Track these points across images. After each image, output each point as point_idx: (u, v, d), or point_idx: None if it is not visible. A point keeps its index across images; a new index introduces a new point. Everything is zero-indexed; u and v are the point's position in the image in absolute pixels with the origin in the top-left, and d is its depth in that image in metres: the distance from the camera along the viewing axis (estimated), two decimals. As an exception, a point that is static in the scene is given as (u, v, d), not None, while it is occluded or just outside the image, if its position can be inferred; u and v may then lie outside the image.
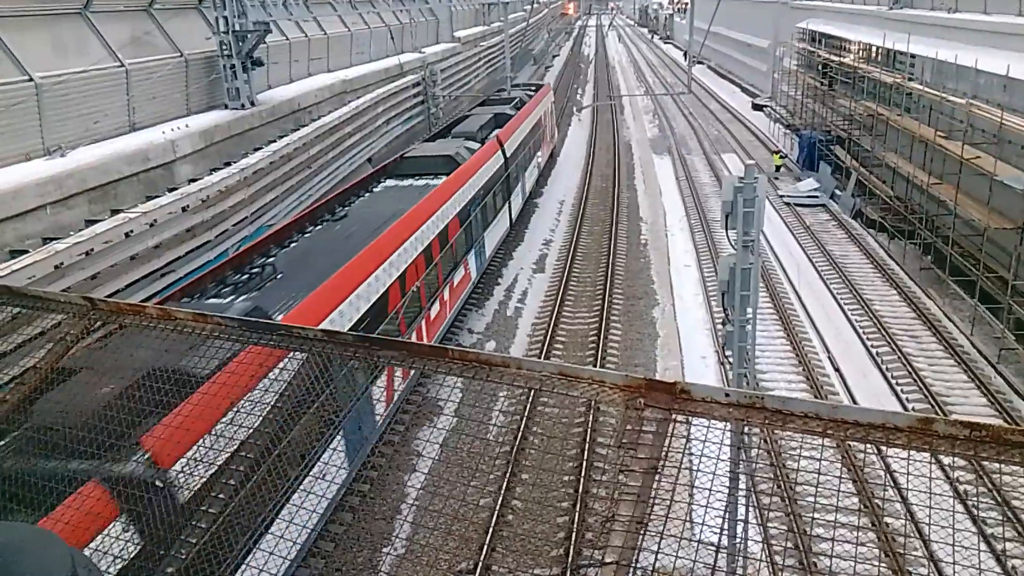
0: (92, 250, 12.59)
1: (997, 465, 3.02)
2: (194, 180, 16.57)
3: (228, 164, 17.92)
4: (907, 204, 24.02)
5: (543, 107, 34.47)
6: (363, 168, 24.84)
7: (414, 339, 14.90)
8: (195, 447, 4.44)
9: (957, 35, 24.27)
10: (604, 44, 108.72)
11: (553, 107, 39.98)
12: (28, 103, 14.10)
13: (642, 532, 2.98)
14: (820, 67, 34.36)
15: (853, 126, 30.13)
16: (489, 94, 39.39)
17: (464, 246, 19.33)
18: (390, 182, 19.88)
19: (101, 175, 14.30)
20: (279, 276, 12.63)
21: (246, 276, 12.63)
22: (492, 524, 12.36)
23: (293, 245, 14.51)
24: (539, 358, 17.88)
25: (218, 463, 4.26)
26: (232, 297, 11.71)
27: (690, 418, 3.32)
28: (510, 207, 25.15)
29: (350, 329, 12.16)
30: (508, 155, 24.51)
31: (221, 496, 4.17)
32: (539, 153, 32.16)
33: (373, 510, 13.30)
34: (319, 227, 15.74)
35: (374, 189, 19.30)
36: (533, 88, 38.19)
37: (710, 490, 3.27)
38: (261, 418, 4.33)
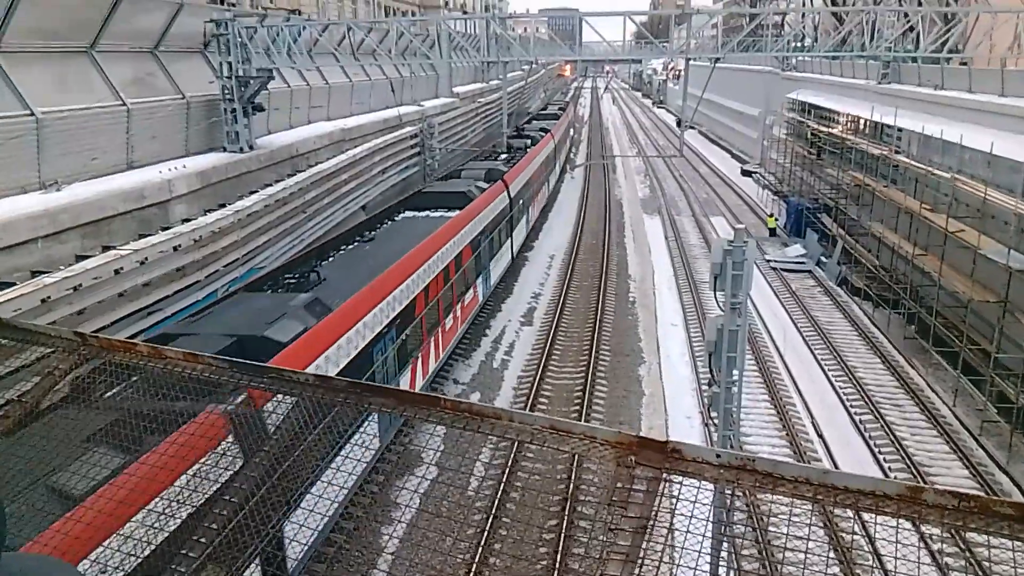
0: (80, 285, 12.54)
1: (984, 537, 3.03)
2: (188, 220, 16.62)
3: (223, 206, 17.99)
4: (892, 274, 24.34)
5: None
6: (356, 215, 24.99)
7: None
8: (168, 491, 4.38)
9: (943, 111, 24.94)
10: (599, 106, 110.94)
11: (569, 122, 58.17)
12: (27, 137, 14.17)
13: (630, 592, 2.95)
14: (809, 136, 35.12)
15: (840, 195, 30.68)
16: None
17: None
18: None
19: (96, 211, 14.32)
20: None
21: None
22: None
23: None
24: (524, 411, 17.78)
25: (191, 508, 4.20)
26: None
27: (680, 477, 3.32)
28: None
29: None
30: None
31: (200, 540, 4.09)
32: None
33: (349, 560, 13.03)
34: None
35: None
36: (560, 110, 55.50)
37: (699, 552, 3.25)
38: (241, 462, 4.28)
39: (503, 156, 32.56)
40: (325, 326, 12.50)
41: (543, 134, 39.53)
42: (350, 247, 18.33)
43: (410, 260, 16.41)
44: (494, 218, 24.29)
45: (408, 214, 22.28)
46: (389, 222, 21.33)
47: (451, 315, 19.34)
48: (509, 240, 27.32)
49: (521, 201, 29.18)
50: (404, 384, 15.73)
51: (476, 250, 21.82)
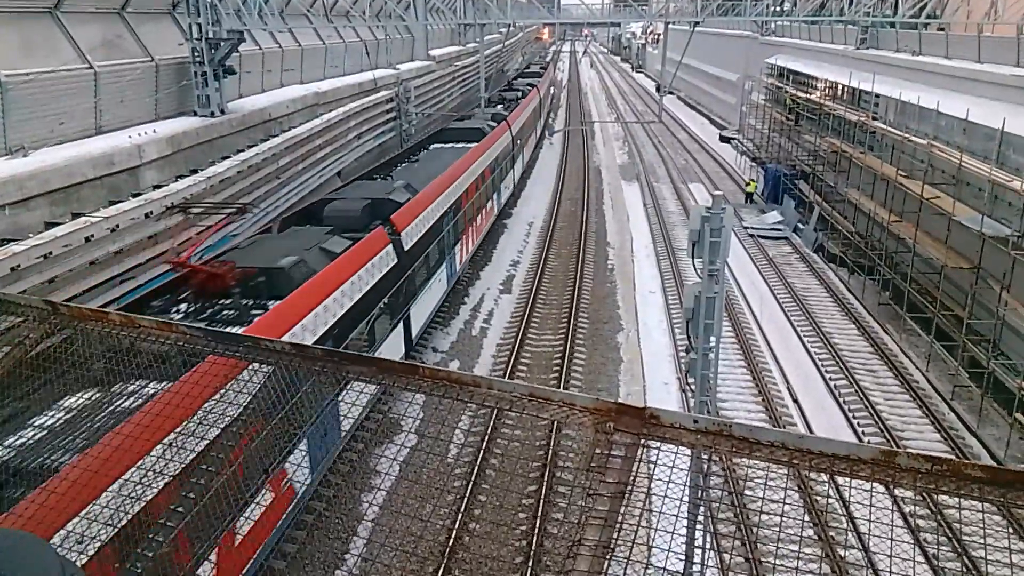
0: (51, 253, 12.31)
1: (956, 499, 3.07)
2: (159, 186, 16.33)
3: (195, 171, 17.68)
4: (868, 240, 24.55)
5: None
6: (332, 181, 24.70)
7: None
8: (144, 461, 4.33)
9: (920, 77, 25.00)
10: (577, 70, 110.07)
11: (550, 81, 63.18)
12: (-9, 101, 13.80)
13: (608, 557, 2.97)
14: (787, 102, 35.11)
15: (817, 162, 30.77)
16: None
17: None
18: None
19: (64, 177, 14.01)
20: None
21: None
22: (450, 544, 12.24)
23: None
24: (504, 379, 17.86)
25: (168, 478, 4.16)
26: None
27: (658, 443, 3.33)
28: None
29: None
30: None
31: (178, 509, 4.06)
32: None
33: (328, 528, 13.09)
34: None
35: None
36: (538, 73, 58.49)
37: (676, 516, 3.27)
38: (217, 431, 4.23)
39: (499, 105, 38.50)
40: (419, 198, 18.78)
41: (530, 88, 46.12)
42: (402, 165, 24.51)
43: (454, 170, 22.39)
44: (503, 150, 30.41)
45: (437, 145, 28.24)
46: (424, 150, 27.47)
47: (480, 215, 25.98)
48: (512, 171, 33.72)
49: (519, 140, 35.51)
50: (458, 251, 22.45)
51: (493, 172, 27.98)
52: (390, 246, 15.95)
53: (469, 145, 26.68)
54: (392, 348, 16.05)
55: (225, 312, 11.74)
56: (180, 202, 15.49)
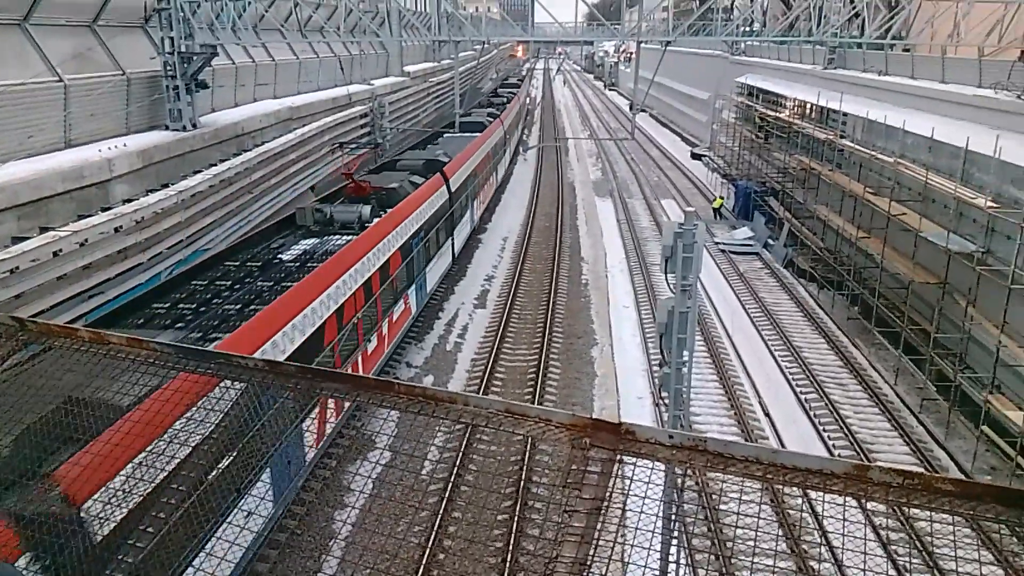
0: (18, 268, 12.10)
1: (928, 512, 3.11)
2: (129, 200, 16.13)
3: (166, 185, 17.51)
4: (836, 256, 24.90)
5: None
6: (306, 196, 24.59)
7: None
8: (114, 480, 4.25)
9: (887, 97, 25.51)
10: (551, 88, 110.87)
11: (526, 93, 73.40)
12: (-43, 113, 13.58)
13: (585, 574, 2.97)
14: (757, 121, 35.59)
15: (787, 178, 31.21)
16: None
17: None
18: None
19: (33, 191, 13.80)
20: None
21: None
22: (424, 562, 12.14)
23: None
24: (479, 395, 17.79)
25: (138, 498, 4.08)
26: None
27: (634, 459, 3.33)
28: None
29: None
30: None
31: (148, 529, 3.99)
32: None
33: (301, 548, 12.91)
34: None
35: None
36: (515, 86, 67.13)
37: (652, 531, 3.28)
38: (188, 450, 4.17)
39: (489, 110, 45.36)
40: (457, 159, 26.23)
41: (512, 95, 55.33)
42: (429, 146, 31.71)
43: (470, 148, 29.43)
44: (498, 140, 38.80)
45: (448, 134, 34.32)
46: (440, 137, 34.37)
47: (487, 184, 34.25)
48: (504, 156, 42.43)
49: (509, 135, 44.61)
50: (476, 205, 30.80)
51: (493, 156, 36.34)
52: (444, 187, 23.27)
53: (475, 134, 33.30)
54: (445, 254, 23.97)
55: (364, 210, 18.11)
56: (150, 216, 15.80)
